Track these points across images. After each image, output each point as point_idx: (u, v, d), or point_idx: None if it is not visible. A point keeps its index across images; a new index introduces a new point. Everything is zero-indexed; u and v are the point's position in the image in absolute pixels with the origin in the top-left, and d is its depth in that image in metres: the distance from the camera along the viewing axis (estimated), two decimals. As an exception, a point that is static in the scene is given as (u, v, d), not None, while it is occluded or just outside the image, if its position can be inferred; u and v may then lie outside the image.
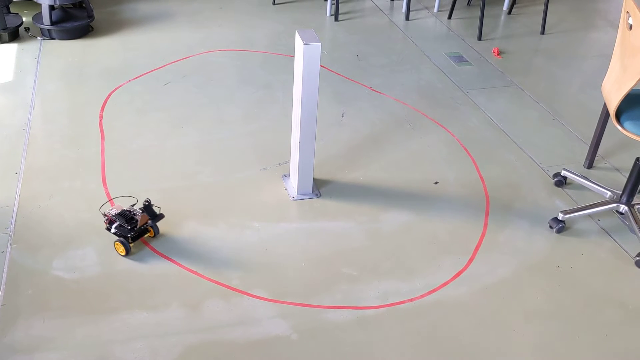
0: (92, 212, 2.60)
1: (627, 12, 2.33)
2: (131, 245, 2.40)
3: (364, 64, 3.95)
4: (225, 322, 2.15)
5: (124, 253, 2.38)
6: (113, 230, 2.39)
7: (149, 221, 2.44)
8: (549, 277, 2.42)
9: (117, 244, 2.39)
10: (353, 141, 3.18)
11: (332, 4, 4.63)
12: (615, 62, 2.47)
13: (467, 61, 4.05)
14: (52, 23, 3.95)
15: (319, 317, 2.19)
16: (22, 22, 4.05)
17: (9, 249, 2.40)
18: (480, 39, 4.36)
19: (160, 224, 2.51)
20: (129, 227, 2.37)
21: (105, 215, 2.42)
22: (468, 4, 4.99)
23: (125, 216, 2.40)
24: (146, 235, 2.47)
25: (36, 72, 3.63)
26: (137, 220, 2.39)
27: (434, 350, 2.10)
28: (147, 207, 2.43)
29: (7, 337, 2.05)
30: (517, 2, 5.04)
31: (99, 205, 2.63)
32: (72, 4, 4.12)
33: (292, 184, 2.81)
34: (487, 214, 2.73)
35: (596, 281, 2.42)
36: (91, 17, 4.10)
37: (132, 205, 2.47)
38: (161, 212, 2.55)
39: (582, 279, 2.42)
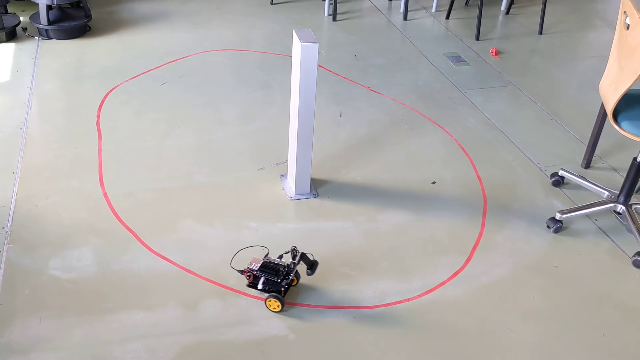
0: (89, 212, 2.60)
1: (625, 12, 2.33)
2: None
3: (361, 64, 3.94)
4: (223, 322, 2.15)
5: (279, 309, 2.17)
6: (260, 286, 2.19)
7: (308, 271, 2.23)
8: (546, 277, 2.42)
9: (270, 301, 2.17)
10: (351, 141, 3.18)
11: (330, 4, 4.63)
12: (613, 62, 2.47)
13: (465, 61, 4.05)
14: (50, 23, 3.94)
15: (316, 317, 2.19)
16: (20, 22, 4.04)
17: (5, 248, 2.39)
18: (478, 39, 4.36)
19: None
20: (278, 279, 2.17)
21: (245, 271, 2.20)
22: (466, 4, 4.99)
23: (272, 269, 2.19)
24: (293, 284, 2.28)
25: (33, 72, 3.63)
26: (285, 271, 2.20)
27: (432, 350, 2.10)
28: (303, 257, 2.20)
29: (4, 337, 2.05)
30: (515, 2, 5.05)
31: (97, 205, 2.62)
32: (69, 3, 4.12)
33: (290, 184, 2.81)
34: (484, 214, 2.73)
35: (594, 281, 2.42)
36: (89, 16, 4.09)
37: (266, 255, 2.27)
38: (314, 258, 2.28)
39: (579, 279, 2.42)
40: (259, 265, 2.21)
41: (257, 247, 2.42)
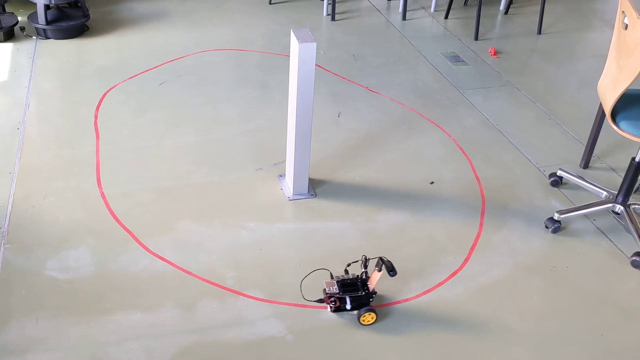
0: (86, 212, 2.59)
1: (623, 12, 2.33)
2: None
3: (360, 64, 3.94)
4: (220, 322, 2.15)
5: (374, 320, 2.14)
6: (349, 306, 2.12)
7: (391, 273, 2.06)
8: (544, 277, 2.42)
9: (365, 316, 2.12)
10: (349, 141, 3.17)
11: (329, 4, 4.63)
12: (611, 62, 2.47)
13: (463, 61, 4.05)
14: (48, 22, 3.94)
15: (314, 318, 2.18)
16: (18, 22, 4.04)
17: (2, 249, 2.38)
18: (476, 38, 4.36)
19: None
20: (362, 292, 2.13)
21: (327, 299, 2.13)
22: (465, 4, 4.98)
23: (351, 285, 2.14)
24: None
25: (31, 72, 3.62)
26: (362, 282, 2.16)
27: (429, 350, 2.09)
28: (387, 264, 2.07)
29: (0, 338, 2.04)
30: (513, 2, 5.04)
31: (94, 206, 2.62)
32: (67, 3, 4.11)
33: (288, 184, 2.81)
34: (482, 214, 2.72)
35: (592, 281, 2.42)
36: (87, 16, 4.09)
37: (333, 276, 2.21)
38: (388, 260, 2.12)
39: (578, 279, 2.42)
40: (337, 286, 2.14)
41: (316, 271, 2.34)
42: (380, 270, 2.10)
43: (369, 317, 2.13)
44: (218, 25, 4.36)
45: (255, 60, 3.92)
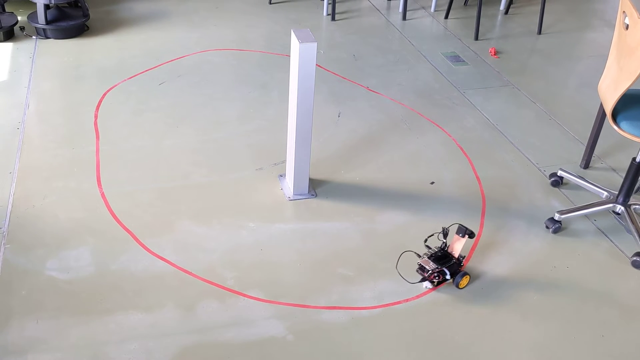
0: (86, 212, 2.59)
1: (624, 12, 2.32)
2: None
3: (360, 64, 3.94)
4: (220, 323, 2.14)
5: (469, 280, 2.33)
6: (449, 276, 2.28)
7: (471, 235, 2.30)
8: (545, 277, 2.42)
9: (463, 280, 2.30)
10: (349, 141, 3.17)
11: (329, 4, 4.62)
12: (612, 62, 2.47)
13: (463, 61, 4.05)
14: (48, 22, 3.93)
15: (314, 318, 2.18)
16: (17, 21, 4.03)
17: (2, 249, 2.38)
18: (477, 38, 4.35)
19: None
20: (453, 260, 2.30)
21: (430, 275, 2.26)
22: (465, 3, 4.98)
23: (442, 256, 2.31)
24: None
25: (31, 72, 3.61)
26: (447, 250, 2.33)
27: (430, 351, 2.09)
28: (461, 228, 2.29)
29: (0, 338, 2.04)
30: (513, 2, 5.04)
31: (94, 206, 2.61)
32: (67, 3, 4.10)
33: (288, 184, 2.80)
34: (483, 214, 2.72)
35: (592, 281, 2.41)
36: (86, 16, 4.08)
37: (421, 255, 2.36)
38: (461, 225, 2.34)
39: (578, 279, 2.42)
40: (432, 261, 2.30)
41: (408, 252, 2.45)
42: (463, 235, 2.30)
43: (465, 280, 2.32)
44: (218, 25, 4.36)
45: (256, 60, 3.91)
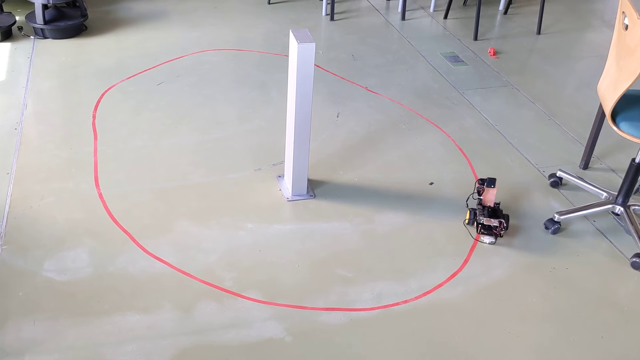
0: (84, 213, 2.58)
1: (623, 12, 2.32)
2: None
3: (359, 64, 3.93)
4: (218, 324, 2.14)
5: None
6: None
7: (492, 184, 2.56)
8: (544, 278, 2.41)
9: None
10: (348, 141, 3.17)
11: (328, 4, 4.62)
12: (611, 63, 2.46)
13: (462, 61, 4.04)
14: (46, 22, 3.92)
15: (313, 319, 2.18)
16: (15, 21, 4.02)
17: (-1, 250, 2.38)
18: (476, 39, 4.35)
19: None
20: (500, 210, 2.60)
21: (498, 229, 2.52)
22: (464, 3, 4.97)
23: (494, 211, 2.57)
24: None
25: (29, 72, 3.61)
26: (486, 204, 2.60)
27: (429, 352, 2.08)
28: (490, 180, 2.55)
29: (-3, 340, 2.03)
30: (513, 2, 5.03)
31: (92, 207, 2.61)
32: (65, 2, 4.10)
33: (287, 185, 2.80)
34: (482, 215, 2.71)
35: (592, 282, 2.41)
36: (85, 16, 4.07)
37: (475, 213, 2.60)
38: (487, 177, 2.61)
39: (577, 280, 2.41)
40: (492, 218, 2.53)
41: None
42: (493, 185, 2.54)
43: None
44: (217, 25, 4.35)
45: (254, 60, 3.91)
